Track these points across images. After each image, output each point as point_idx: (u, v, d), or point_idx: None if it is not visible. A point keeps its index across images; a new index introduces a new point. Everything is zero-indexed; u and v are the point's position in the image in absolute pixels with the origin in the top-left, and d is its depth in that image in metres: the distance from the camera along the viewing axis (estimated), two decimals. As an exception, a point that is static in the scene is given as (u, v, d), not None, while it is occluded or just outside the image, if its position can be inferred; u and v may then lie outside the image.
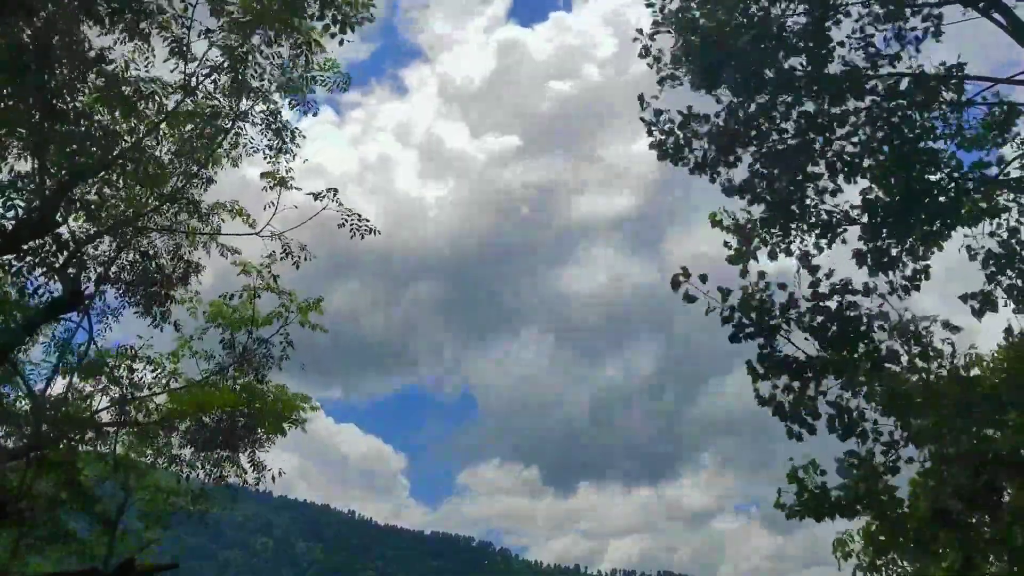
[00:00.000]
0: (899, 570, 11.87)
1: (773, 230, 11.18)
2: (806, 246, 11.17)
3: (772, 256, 11.04)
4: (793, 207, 11.27)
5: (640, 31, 12.16)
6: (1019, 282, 11.22)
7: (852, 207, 11.48)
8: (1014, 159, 11.44)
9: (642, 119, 12.09)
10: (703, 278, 9.89)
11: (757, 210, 11.32)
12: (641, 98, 12.20)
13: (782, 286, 10.37)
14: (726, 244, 10.79)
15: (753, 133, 11.42)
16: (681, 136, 11.86)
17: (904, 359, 10.48)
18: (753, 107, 11.37)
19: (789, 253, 11.05)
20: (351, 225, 13.79)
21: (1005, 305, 11.02)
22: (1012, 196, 11.26)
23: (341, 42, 12.20)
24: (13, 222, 11.94)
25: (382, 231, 14.10)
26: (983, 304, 11.23)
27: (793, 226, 11.29)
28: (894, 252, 11.46)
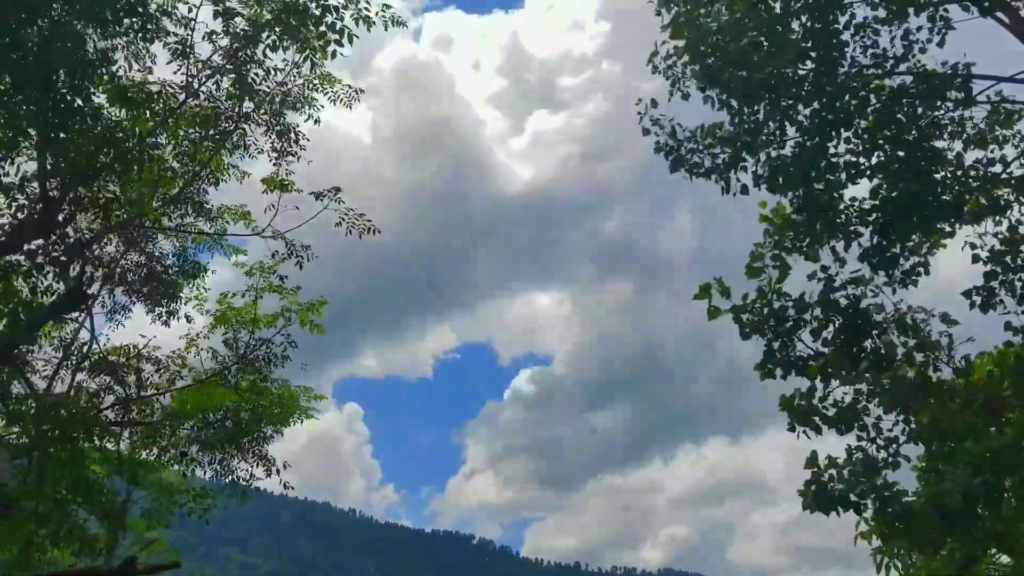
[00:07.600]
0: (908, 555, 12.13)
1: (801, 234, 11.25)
2: (823, 247, 11.28)
3: (807, 257, 11.09)
4: (811, 207, 11.32)
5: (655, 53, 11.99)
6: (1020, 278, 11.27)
7: (864, 205, 11.49)
8: (1015, 159, 11.48)
9: (645, 129, 11.99)
10: (725, 293, 10.05)
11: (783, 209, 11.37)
12: (640, 104, 11.97)
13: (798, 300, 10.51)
14: (756, 247, 10.80)
15: (761, 139, 11.40)
16: (691, 146, 11.79)
17: (901, 351, 10.59)
18: (759, 113, 11.34)
19: (807, 256, 11.14)
20: (348, 225, 13.67)
21: (1005, 307, 11.11)
22: (1015, 194, 11.32)
23: (334, 54, 12.01)
24: (17, 222, 11.99)
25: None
26: (985, 300, 11.29)
27: (819, 227, 11.34)
28: (896, 249, 11.51)
